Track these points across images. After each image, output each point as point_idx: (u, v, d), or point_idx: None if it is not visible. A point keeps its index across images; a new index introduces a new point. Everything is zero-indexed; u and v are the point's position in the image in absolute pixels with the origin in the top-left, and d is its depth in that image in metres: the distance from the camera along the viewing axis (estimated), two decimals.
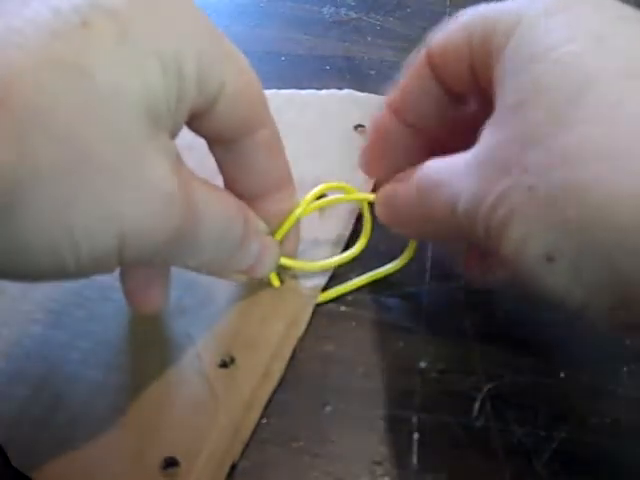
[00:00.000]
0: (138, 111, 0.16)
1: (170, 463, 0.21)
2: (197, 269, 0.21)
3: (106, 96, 0.15)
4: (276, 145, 0.23)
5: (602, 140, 0.16)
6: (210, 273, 0.23)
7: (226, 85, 0.19)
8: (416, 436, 0.23)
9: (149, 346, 0.24)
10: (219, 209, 0.20)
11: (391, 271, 0.27)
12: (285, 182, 0.24)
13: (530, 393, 0.24)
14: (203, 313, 0.25)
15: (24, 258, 0.15)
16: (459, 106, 0.24)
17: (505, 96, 0.19)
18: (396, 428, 0.23)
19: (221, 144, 0.22)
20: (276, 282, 0.26)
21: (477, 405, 0.23)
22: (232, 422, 0.22)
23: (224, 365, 0.24)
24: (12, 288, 0.26)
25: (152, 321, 0.25)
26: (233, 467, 0.22)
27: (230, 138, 0.22)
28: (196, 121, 0.20)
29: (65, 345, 0.24)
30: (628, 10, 0.19)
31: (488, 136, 0.19)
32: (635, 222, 0.15)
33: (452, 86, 0.23)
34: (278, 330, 0.25)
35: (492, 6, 0.20)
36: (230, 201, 0.21)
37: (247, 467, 0.22)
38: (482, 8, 0.20)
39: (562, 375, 0.24)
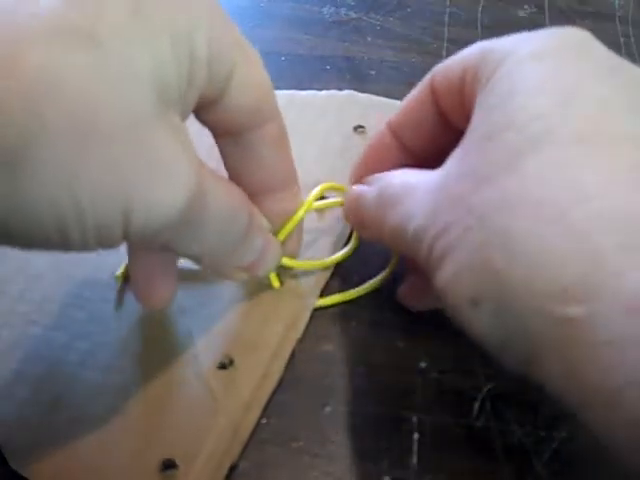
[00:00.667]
0: (149, 87, 0.16)
1: (168, 465, 0.21)
2: (200, 259, 0.21)
3: (117, 68, 0.15)
4: (284, 140, 0.23)
5: (539, 197, 0.16)
6: (213, 267, 0.22)
7: (235, 74, 0.19)
8: (416, 436, 0.23)
9: (148, 348, 0.24)
10: (226, 198, 0.20)
11: (383, 280, 0.27)
12: (290, 181, 0.24)
13: (530, 393, 0.24)
14: (202, 315, 0.25)
15: (30, 222, 0.15)
16: (455, 136, 0.24)
17: (471, 130, 0.19)
18: (396, 428, 0.23)
19: (228, 137, 0.22)
20: (276, 283, 0.26)
21: (477, 405, 0.23)
22: (231, 424, 0.22)
23: (223, 367, 0.24)
24: (12, 289, 0.26)
25: (151, 323, 0.25)
26: (232, 469, 0.22)
27: (238, 130, 0.21)
28: (204, 110, 0.20)
29: (64, 346, 0.24)
30: (614, 59, 0.19)
31: (449, 165, 0.19)
32: (552, 289, 0.15)
33: (449, 116, 0.23)
34: (277, 331, 0.25)
35: (490, 42, 0.20)
36: (236, 192, 0.21)
37: (247, 467, 0.22)
38: (484, 43, 0.21)
39: None
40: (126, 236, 0.17)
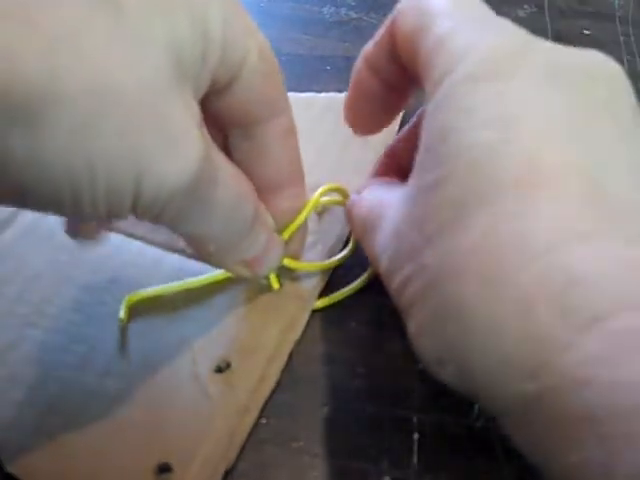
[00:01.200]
0: (167, 58, 0.16)
1: (164, 469, 0.21)
2: (206, 245, 0.21)
3: (137, 36, 0.16)
4: (293, 136, 0.23)
5: (484, 259, 0.15)
6: (217, 258, 0.22)
7: (248, 60, 0.20)
8: (416, 436, 0.23)
9: (145, 351, 0.24)
10: (233, 182, 0.20)
11: (371, 275, 0.26)
12: (297, 178, 0.24)
13: None
14: (200, 318, 0.25)
15: (44, 182, 0.15)
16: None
17: (418, 168, 0.18)
18: (396, 428, 0.23)
19: (238, 129, 0.22)
20: (276, 285, 0.26)
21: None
22: (227, 427, 0.22)
23: (219, 370, 0.23)
24: (10, 290, 0.26)
25: (148, 326, 0.25)
26: (227, 473, 0.21)
27: (249, 121, 0.21)
28: (216, 97, 0.20)
29: (61, 349, 0.24)
30: (552, 61, 0.17)
31: (406, 200, 0.18)
32: (505, 363, 0.15)
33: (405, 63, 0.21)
34: (275, 334, 0.25)
35: (445, 33, 0.18)
36: (244, 180, 0.21)
37: (247, 468, 0.22)
38: (442, 25, 0.18)
39: None
40: (135, 205, 0.17)
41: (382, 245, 0.20)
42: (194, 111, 0.18)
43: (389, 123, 0.26)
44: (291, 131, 0.23)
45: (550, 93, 0.16)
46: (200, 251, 0.22)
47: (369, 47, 0.23)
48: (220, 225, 0.20)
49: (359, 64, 0.23)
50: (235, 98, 0.20)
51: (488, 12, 0.19)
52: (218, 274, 0.26)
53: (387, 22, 0.21)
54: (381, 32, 0.22)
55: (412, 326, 0.18)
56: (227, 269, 0.23)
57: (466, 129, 0.16)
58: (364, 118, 0.25)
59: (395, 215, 0.19)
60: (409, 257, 0.18)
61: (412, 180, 0.18)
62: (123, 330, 0.25)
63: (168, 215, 0.18)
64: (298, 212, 0.24)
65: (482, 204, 0.16)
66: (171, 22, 0.16)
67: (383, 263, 0.19)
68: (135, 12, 0.16)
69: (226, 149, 0.23)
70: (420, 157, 0.18)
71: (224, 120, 0.22)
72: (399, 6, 0.20)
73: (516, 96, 0.16)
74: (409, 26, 0.20)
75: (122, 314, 0.25)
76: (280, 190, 0.24)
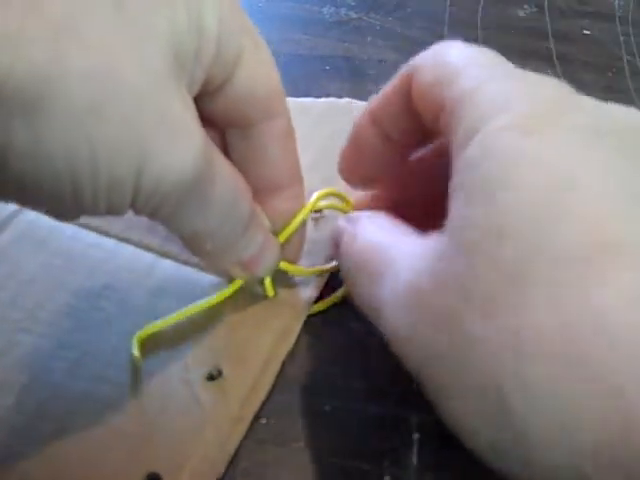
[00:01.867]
0: (166, 49, 0.16)
1: (153, 479, 0.21)
2: (203, 243, 0.21)
3: (138, 26, 0.16)
4: (291, 138, 0.23)
5: (556, 336, 0.14)
6: (214, 258, 0.22)
7: (243, 60, 0.20)
8: (416, 436, 0.23)
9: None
10: (231, 179, 0.20)
11: None
12: (295, 180, 0.24)
13: None
14: (193, 326, 0.25)
15: (45, 173, 0.15)
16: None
17: (452, 224, 0.16)
18: (396, 428, 0.23)
19: (236, 130, 0.22)
20: (271, 292, 0.25)
21: None
22: (218, 437, 0.22)
23: (211, 378, 0.23)
24: (3, 296, 0.26)
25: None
26: (226, 474, 0.21)
27: (247, 122, 0.21)
28: (212, 97, 0.20)
29: (52, 355, 0.24)
30: (600, 115, 0.16)
31: (429, 259, 0.17)
32: (583, 449, 0.14)
33: (425, 121, 0.21)
34: (268, 342, 0.24)
35: (471, 84, 0.17)
36: (241, 179, 0.21)
37: (247, 467, 0.22)
38: (466, 77, 0.18)
39: None
40: (135, 200, 0.17)
41: (391, 299, 0.18)
42: (191, 106, 0.18)
43: (384, 180, 0.25)
44: (289, 133, 0.23)
45: (600, 152, 0.15)
46: (197, 250, 0.22)
47: (376, 102, 0.22)
48: (216, 222, 0.20)
49: (362, 118, 0.23)
50: (230, 99, 0.20)
51: (513, 67, 0.19)
52: (221, 294, 0.25)
53: (397, 79, 0.21)
54: (390, 88, 0.22)
55: (452, 408, 0.16)
56: (224, 270, 0.23)
57: (516, 186, 0.15)
58: (360, 173, 0.25)
59: (413, 268, 0.18)
60: (440, 323, 0.16)
61: (446, 235, 0.17)
62: (136, 368, 0.24)
63: (166, 210, 0.18)
64: (296, 212, 0.24)
65: (543, 272, 0.14)
66: (170, 15, 0.17)
67: (392, 321, 0.18)
68: (135, 6, 0.16)
69: (224, 149, 0.23)
70: (458, 211, 0.16)
71: (220, 121, 0.22)
72: (415, 62, 0.20)
73: (565, 153, 0.15)
74: (428, 80, 0.19)
75: (135, 352, 0.24)
76: (278, 191, 0.23)
